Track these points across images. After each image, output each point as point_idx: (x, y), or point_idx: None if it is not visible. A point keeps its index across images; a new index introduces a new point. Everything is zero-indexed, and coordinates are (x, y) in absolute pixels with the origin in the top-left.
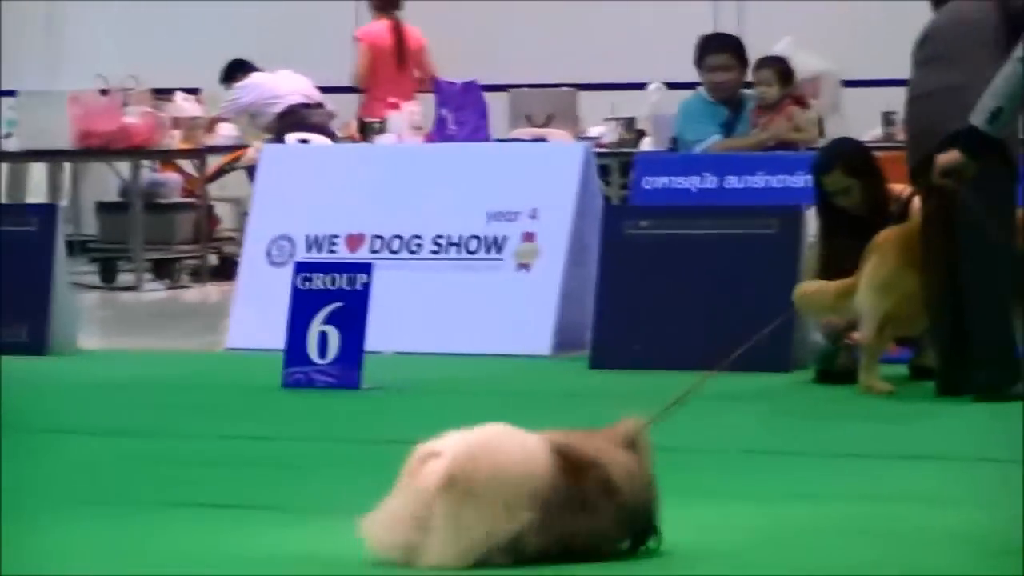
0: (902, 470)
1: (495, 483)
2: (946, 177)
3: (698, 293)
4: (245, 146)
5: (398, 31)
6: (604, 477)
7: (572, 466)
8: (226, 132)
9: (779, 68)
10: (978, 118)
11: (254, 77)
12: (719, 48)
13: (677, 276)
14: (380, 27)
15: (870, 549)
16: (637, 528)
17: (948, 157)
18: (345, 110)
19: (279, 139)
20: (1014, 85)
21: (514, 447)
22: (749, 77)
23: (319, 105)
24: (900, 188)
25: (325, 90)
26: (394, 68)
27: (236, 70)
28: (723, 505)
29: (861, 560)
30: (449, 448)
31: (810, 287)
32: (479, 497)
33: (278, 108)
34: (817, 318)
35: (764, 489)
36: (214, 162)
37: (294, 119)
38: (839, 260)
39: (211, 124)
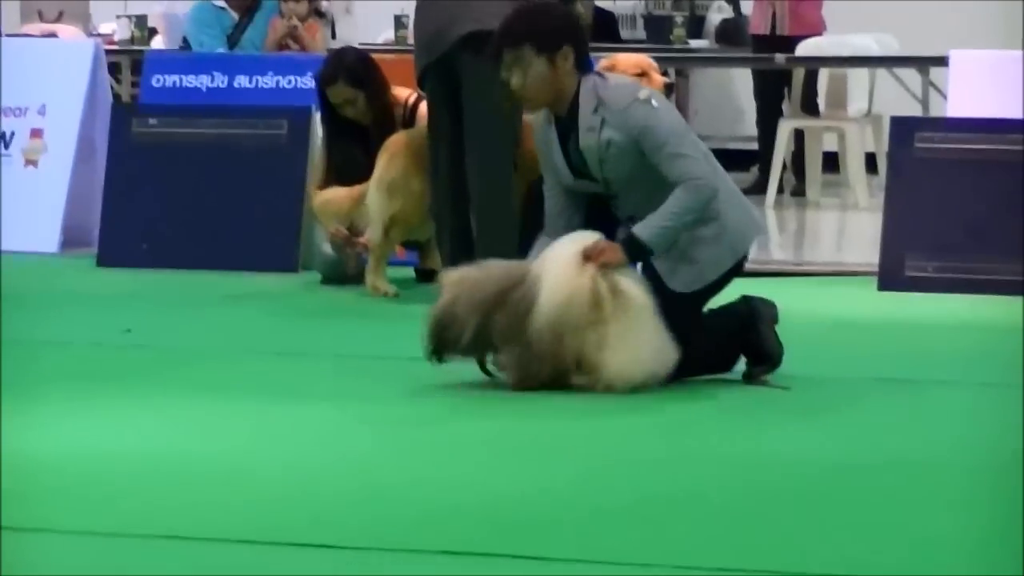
0: (404, 369)
1: None
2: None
3: (205, 193)
4: None
5: None
6: None
7: None
8: None
9: None
10: (646, 232)
11: None
12: None
13: (185, 175)
14: None
15: (365, 440)
16: None
17: (614, 257)
18: None
19: None
20: (690, 210)
21: None
22: None
23: None
24: (407, 93)
25: None
26: None
27: None
28: (228, 401)
29: (357, 452)
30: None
31: (327, 193)
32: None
33: None
34: (332, 224)
35: (270, 386)
36: None
37: None
38: (346, 169)
39: None
